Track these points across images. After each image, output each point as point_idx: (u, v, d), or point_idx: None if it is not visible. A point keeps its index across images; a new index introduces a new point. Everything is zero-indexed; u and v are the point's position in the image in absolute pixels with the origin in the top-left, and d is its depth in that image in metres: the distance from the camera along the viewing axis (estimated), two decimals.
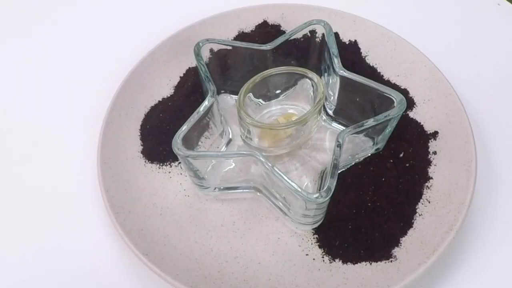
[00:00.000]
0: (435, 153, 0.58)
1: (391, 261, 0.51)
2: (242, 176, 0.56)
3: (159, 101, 0.64)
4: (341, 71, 0.55)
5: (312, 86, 0.57)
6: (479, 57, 0.58)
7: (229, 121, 0.61)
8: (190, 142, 0.52)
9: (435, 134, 0.59)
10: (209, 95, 0.53)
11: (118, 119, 0.61)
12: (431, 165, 0.57)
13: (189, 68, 0.67)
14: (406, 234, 0.52)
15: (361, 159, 0.57)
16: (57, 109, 0.67)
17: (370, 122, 0.51)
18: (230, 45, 0.60)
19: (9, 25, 0.77)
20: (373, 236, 0.52)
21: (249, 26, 0.70)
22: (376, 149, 0.57)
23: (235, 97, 0.63)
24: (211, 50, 0.60)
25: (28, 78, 0.71)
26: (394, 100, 0.52)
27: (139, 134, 0.61)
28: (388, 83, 0.64)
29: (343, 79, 0.55)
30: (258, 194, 0.55)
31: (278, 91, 0.62)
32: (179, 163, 0.59)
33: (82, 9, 0.79)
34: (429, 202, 0.54)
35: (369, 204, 0.53)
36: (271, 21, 0.70)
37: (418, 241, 0.51)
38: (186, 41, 0.67)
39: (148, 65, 0.65)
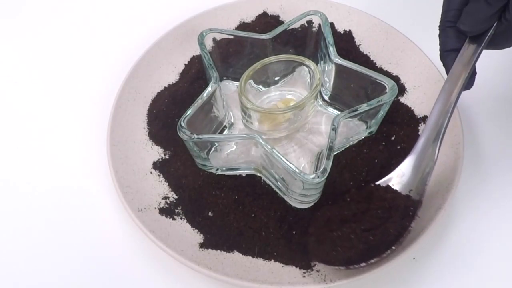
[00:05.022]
0: None
1: None
2: (243, 158, 0.55)
3: (165, 87, 0.64)
4: (337, 59, 0.55)
5: (309, 73, 0.57)
6: None
7: (231, 106, 0.61)
8: (194, 125, 0.51)
9: (424, 118, 0.59)
10: (212, 82, 0.53)
11: (127, 104, 0.60)
12: None
13: (193, 56, 0.66)
14: None
15: (355, 141, 0.57)
16: (70, 94, 0.67)
17: (364, 107, 0.51)
18: (232, 35, 0.59)
19: (24, 12, 0.76)
20: None
21: (249, 16, 0.69)
22: (369, 133, 0.57)
23: (236, 83, 0.62)
24: (214, 39, 0.59)
25: (43, 65, 0.70)
26: (386, 86, 0.52)
27: (146, 118, 0.61)
28: (380, 70, 0.64)
29: (338, 67, 0.55)
30: (258, 174, 0.55)
31: (277, 78, 0.61)
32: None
33: (95, 1, 0.78)
34: None
35: (363, 184, 0.53)
36: (270, 12, 0.70)
37: None
38: (190, 31, 0.66)
39: (154, 53, 0.65)
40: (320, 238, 0.48)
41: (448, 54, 0.49)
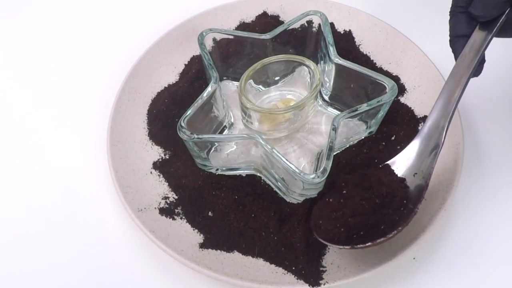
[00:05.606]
0: None
1: None
2: (243, 158, 0.55)
3: (165, 87, 0.63)
4: (337, 59, 0.55)
5: (309, 73, 0.57)
6: None
7: (231, 106, 0.60)
8: (194, 125, 0.51)
9: (424, 118, 0.58)
10: (212, 82, 0.53)
11: (127, 104, 0.60)
12: None
13: (193, 56, 0.66)
14: None
15: (355, 141, 0.57)
16: (70, 95, 0.66)
17: (364, 107, 0.51)
18: (232, 35, 0.59)
19: (24, 12, 0.76)
20: None
21: (249, 16, 0.69)
22: (369, 132, 0.57)
23: (236, 83, 0.62)
24: (214, 39, 0.59)
25: (43, 65, 0.70)
26: (386, 86, 0.52)
27: (146, 118, 0.61)
28: (380, 70, 0.64)
29: (338, 67, 0.55)
30: (258, 174, 0.55)
31: (277, 78, 0.61)
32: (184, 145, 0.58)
33: (95, 1, 0.78)
34: None
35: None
36: (270, 12, 0.69)
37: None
38: (190, 31, 0.66)
39: (154, 53, 0.64)
40: (321, 218, 0.48)
41: (457, 40, 0.49)
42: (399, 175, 0.50)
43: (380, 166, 0.51)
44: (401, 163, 0.50)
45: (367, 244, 0.45)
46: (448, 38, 0.50)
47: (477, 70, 0.49)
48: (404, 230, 0.48)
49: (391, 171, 0.50)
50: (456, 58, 0.49)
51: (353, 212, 0.46)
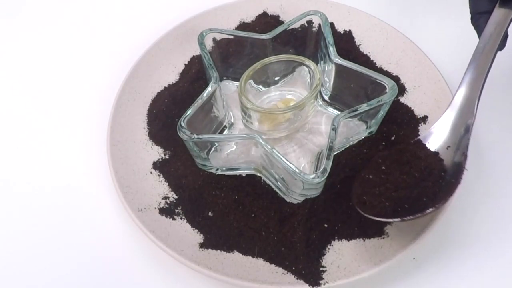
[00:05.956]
0: None
1: (384, 238, 0.50)
2: (243, 158, 0.55)
3: (165, 87, 0.63)
4: (337, 59, 0.55)
5: (309, 73, 0.57)
6: (466, 45, 0.58)
7: (231, 106, 0.60)
8: (194, 125, 0.51)
9: (424, 118, 0.59)
10: (212, 82, 0.53)
11: (127, 104, 0.60)
12: None
13: (193, 56, 0.66)
14: None
15: (355, 141, 0.57)
16: (70, 95, 0.67)
17: (364, 107, 0.51)
18: (232, 35, 0.59)
19: (24, 12, 0.76)
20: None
21: (249, 16, 0.69)
22: (369, 133, 0.57)
23: (236, 83, 0.62)
24: (214, 39, 0.59)
25: (43, 65, 0.70)
26: (386, 86, 0.52)
27: (146, 118, 0.61)
28: (380, 70, 0.64)
29: (338, 67, 0.55)
30: (258, 174, 0.55)
31: (277, 78, 0.61)
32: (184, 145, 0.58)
33: (95, 1, 0.78)
34: None
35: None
36: (270, 12, 0.69)
37: None
38: (190, 31, 0.66)
39: (154, 53, 0.64)
40: (365, 194, 0.49)
41: (480, 16, 0.50)
42: (432, 150, 0.51)
43: (412, 141, 0.52)
44: (434, 138, 0.51)
45: (417, 215, 0.46)
46: (470, 16, 0.51)
47: (502, 44, 0.50)
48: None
49: (423, 146, 0.51)
50: (479, 34, 0.51)
51: (396, 187, 0.47)
